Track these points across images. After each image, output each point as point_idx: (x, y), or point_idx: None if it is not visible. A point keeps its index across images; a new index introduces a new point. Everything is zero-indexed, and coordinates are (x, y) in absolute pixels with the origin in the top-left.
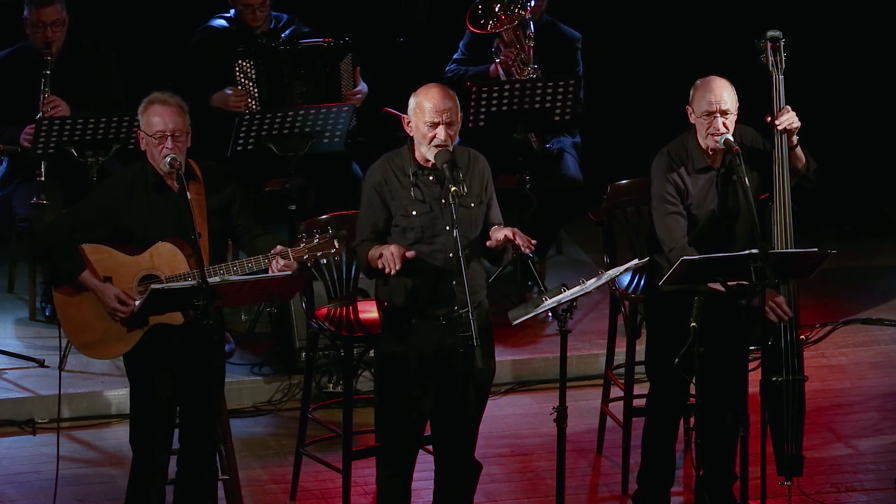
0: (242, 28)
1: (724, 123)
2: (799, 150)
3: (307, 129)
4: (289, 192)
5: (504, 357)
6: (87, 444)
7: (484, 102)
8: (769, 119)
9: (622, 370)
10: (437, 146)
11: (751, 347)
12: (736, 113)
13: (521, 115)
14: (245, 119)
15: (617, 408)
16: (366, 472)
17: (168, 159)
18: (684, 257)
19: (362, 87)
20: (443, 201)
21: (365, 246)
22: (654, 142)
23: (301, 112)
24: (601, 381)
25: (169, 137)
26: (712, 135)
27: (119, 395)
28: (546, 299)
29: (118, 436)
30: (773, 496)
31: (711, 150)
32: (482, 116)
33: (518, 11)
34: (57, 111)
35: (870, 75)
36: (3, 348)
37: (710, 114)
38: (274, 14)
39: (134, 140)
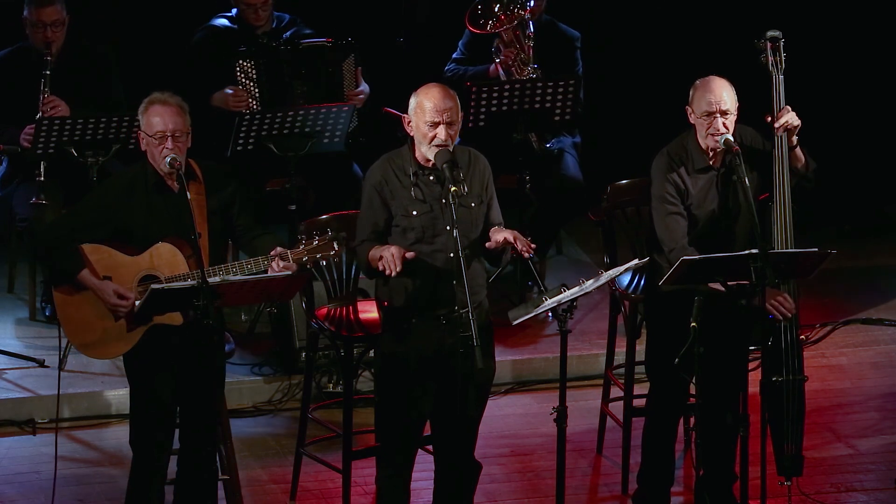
0: (244, 27)
1: (724, 123)
2: (799, 150)
3: (307, 129)
4: (289, 192)
5: (504, 357)
6: (87, 444)
7: (484, 102)
8: (769, 119)
9: (622, 370)
10: (437, 146)
11: (751, 347)
12: (736, 113)
13: (521, 115)
14: (245, 119)
15: (617, 408)
16: (366, 472)
17: (168, 159)
18: (684, 257)
19: (364, 87)
20: (443, 201)
21: (365, 246)
22: (654, 142)
23: (301, 112)
24: (601, 381)
25: (169, 138)
26: (712, 135)
27: (119, 395)
28: (546, 299)
29: (118, 436)
30: (773, 496)
31: (711, 150)
32: (482, 116)
33: (517, 11)
34: (56, 111)
35: (870, 75)
36: (3, 348)
37: (710, 114)
38: (276, 14)
39: (134, 140)
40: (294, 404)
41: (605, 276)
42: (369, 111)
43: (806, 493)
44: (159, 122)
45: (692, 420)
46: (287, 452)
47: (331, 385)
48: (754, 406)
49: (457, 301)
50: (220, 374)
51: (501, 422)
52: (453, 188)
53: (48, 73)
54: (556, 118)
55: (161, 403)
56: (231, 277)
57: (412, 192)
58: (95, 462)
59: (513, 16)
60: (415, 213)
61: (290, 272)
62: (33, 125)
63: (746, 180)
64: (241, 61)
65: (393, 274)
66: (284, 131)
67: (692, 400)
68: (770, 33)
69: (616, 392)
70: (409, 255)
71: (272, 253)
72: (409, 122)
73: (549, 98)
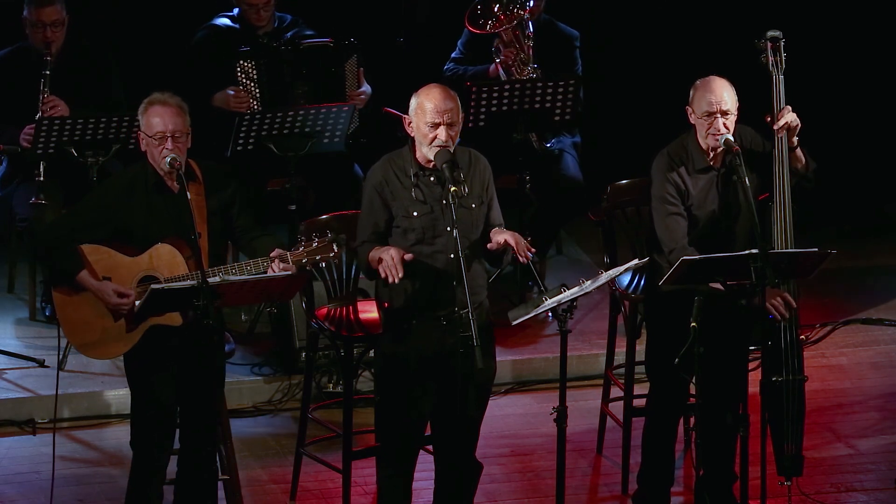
0: (246, 27)
1: (724, 124)
2: (799, 150)
3: (307, 129)
4: (289, 192)
5: (504, 357)
6: (87, 444)
7: (484, 102)
8: (769, 119)
9: (622, 370)
10: (438, 147)
11: (751, 347)
12: (736, 113)
13: (521, 115)
14: (245, 119)
15: (617, 408)
16: (366, 472)
17: (168, 159)
18: (684, 257)
19: (366, 88)
20: (444, 202)
21: (366, 247)
22: (654, 142)
23: (301, 112)
24: (601, 381)
25: (169, 138)
26: (713, 135)
27: (119, 395)
28: (546, 299)
29: (118, 436)
30: (773, 496)
31: (712, 150)
32: (482, 116)
33: (517, 11)
34: (56, 111)
35: (870, 75)
36: (3, 348)
37: (711, 114)
38: (278, 14)
39: (134, 140)
40: (294, 404)
41: (605, 276)
42: (371, 112)
43: (806, 493)
44: (159, 123)
45: (692, 420)
46: (287, 452)
47: (331, 385)
48: (754, 406)
49: (457, 302)
50: (220, 374)
51: (501, 422)
52: (453, 188)
53: (48, 73)
54: (556, 118)
55: (161, 404)
56: (231, 277)
57: (413, 193)
58: (95, 462)
59: (512, 16)
60: (415, 213)
61: (289, 272)
62: (33, 125)
63: (747, 180)
64: (241, 61)
65: (395, 281)
66: (284, 131)
67: (692, 400)
68: (770, 33)
69: (616, 392)
70: (408, 256)
71: (272, 255)
72: (410, 122)
73: (549, 98)
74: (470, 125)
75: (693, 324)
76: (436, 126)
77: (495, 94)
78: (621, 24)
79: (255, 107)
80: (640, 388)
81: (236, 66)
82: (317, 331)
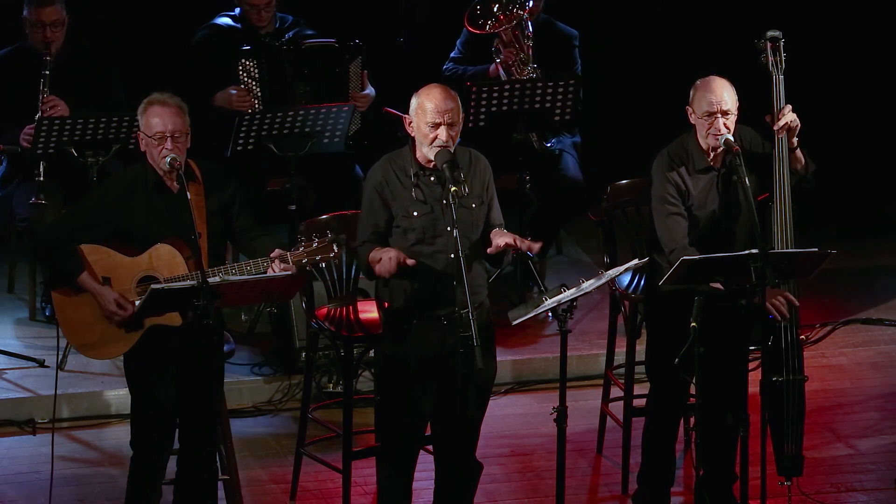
0: (247, 27)
1: (724, 124)
2: (799, 151)
3: (307, 129)
4: (289, 192)
5: (504, 357)
6: (87, 444)
7: (484, 102)
8: (769, 119)
9: (622, 370)
10: (438, 147)
11: (751, 347)
12: (736, 113)
13: (521, 115)
14: (245, 119)
15: (617, 408)
16: (366, 472)
17: (168, 159)
18: (684, 257)
19: (370, 90)
20: (444, 202)
21: (366, 247)
22: (654, 142)
23: (301, 112)
24: (601, 381)
25: (168, 138)
26: (713, 135)
27: (119, 395)
28: (546, 299)
29: (118, 436)
30: (773, 496)
31: (712, 150)
32: (482, 116)
33: (516, 11)
34: (56, 111)
35: (870, 75)
36: (3, 348)
37: (711, 114)
38: (279, 15)
39: (134, 140)
40: (294, 404)
41: (605, 276)
42: (373, 114)
43: (806, 493)
44: (158, 123)
45: (692, 420)
46: (287, 452)
47: (331, 385)
48: (754, 406)
49: (457, 301)
50: (219, 374)
51: (501, 422)
52: (454, 188)
53: (48, 73)
54: (556, 118)
55: (160, 404)
56: (231, 277)
57: (413, 193)
58: (95, 462)
59: (512, 16)
60: (415, 213)
61: (289, 272)
62: (33, 125)
63: (747, 180)
64: (243, 60)
65: (386, 275)
66: (284, 131)
67: (692, 400)
68: (770, 33)
69: (616, 392)
70: (410, 262)
71: (272, 255)
72: (410, 122)
73: (549, 98)
74: (470, 125)
75: (693, 324)
76: (436, 126)
77: (495, 94)
78: (621, 24)
79: (257, 106)
80: (640, 388)
81: (238, 65)
82: (317, 331)
